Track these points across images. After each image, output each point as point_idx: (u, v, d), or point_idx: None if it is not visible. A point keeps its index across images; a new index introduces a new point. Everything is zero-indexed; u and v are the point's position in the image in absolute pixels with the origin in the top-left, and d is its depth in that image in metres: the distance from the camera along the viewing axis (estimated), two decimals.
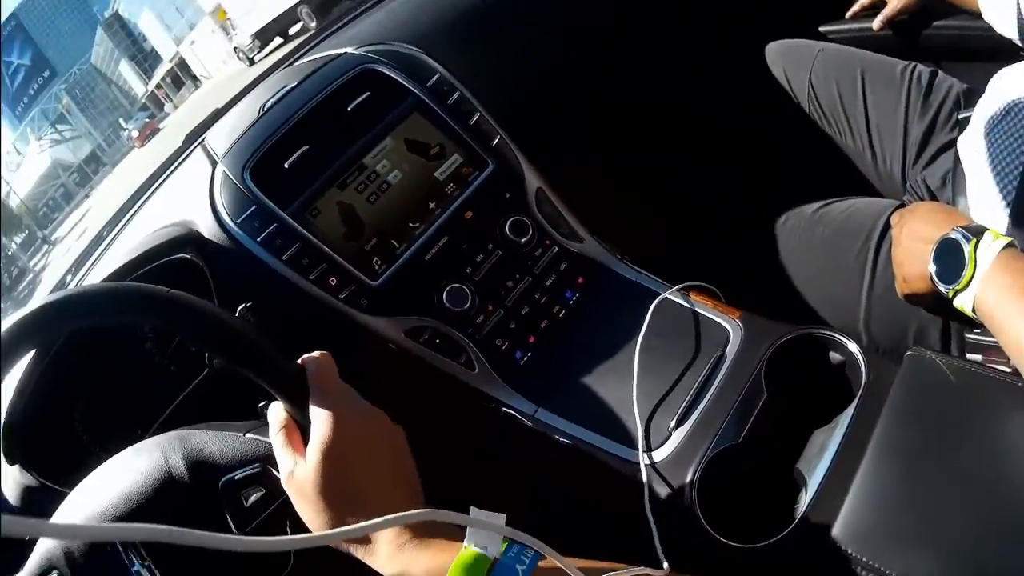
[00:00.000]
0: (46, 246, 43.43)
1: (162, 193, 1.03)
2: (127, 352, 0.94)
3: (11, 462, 0.81)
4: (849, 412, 0.64)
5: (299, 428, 0.53)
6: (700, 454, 0.65)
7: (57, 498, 0.76)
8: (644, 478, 0.65)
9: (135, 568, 0.56)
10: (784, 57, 1.13)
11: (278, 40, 16.43)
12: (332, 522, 0.50)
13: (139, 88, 65.02)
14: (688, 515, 0.63)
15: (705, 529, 0.61)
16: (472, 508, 0.47)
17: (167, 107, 49.25)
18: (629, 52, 1.23)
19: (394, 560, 0.48)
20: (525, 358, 0.81)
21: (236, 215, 0.80)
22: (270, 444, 0.58)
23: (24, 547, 0.62)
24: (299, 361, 0.54)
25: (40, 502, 0.80)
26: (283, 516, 0.58)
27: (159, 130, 39.13)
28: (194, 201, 0.86)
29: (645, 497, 0.62)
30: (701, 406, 0.68)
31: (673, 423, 0.68)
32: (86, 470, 0.67)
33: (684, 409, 0.68)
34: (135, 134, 42.73)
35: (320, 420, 0.51)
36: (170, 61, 51.32)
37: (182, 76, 51.98)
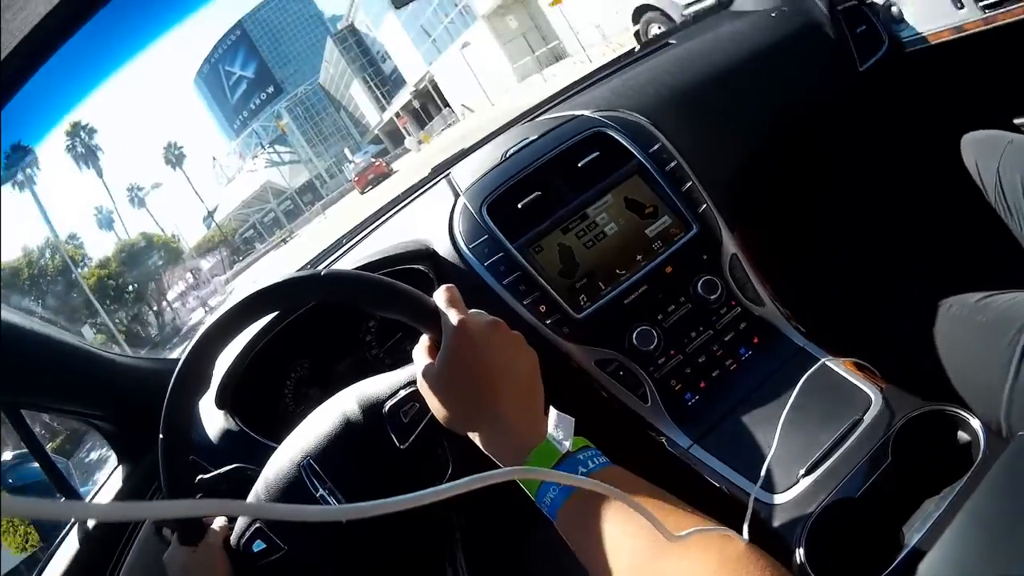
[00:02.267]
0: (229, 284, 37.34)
1: (405, 214, 1.23)
2: (346, 340, 1.14)
3: (220, 407, 0.98)
4: (958, 486, 0.67)
5: (438, 347, 0.64)
6: (819, 501, 0.71)
7: (252, 445, 0.94)
8: (750, 508, 0.72)
9: (320, 493, 0.69)
10: (976, 147, 1.14)
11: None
12: (452, 413, 0.62)
13: (372, 116, 57.39)
14: (791, 548, 0.69)
15: (803, 565, 0.67)
16: (551, 409, 0.58)
17: (408, 142, 41.00)
18: (832, 137, 1.27)
19: (494, 442, 0.59)
20: (693, 400, 0.90)
21: (469, 241, 0.97)
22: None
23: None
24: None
25: (234, 446, 0.96)
26: (437, 423, 0.68)
27: (386, 175, 33.47)
28: (434, 224, 1.04)
29: (746, 520, 0.67)
30: (830, 461, 0.74)
31: (803, 471, 0.74)
32: (282, 427, 0.82)
33: (815, 461, 0.74)
34: (354, 176, 36.64)
35: (446, 331, 0.61)
36: (415, 86, 42.94)
37: (428, 107, 43.99)
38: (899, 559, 0.65)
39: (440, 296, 0.64)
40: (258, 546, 0.71)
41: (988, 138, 1.15)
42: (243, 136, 65.70)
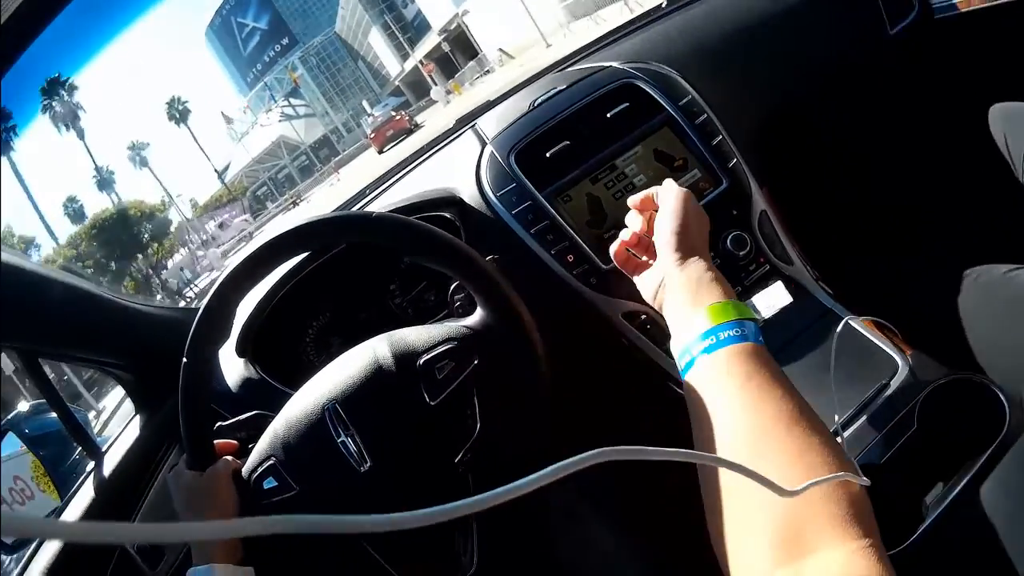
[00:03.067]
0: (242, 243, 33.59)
1: (430, 163, 1.21)
2: (369, 289, 1.13)
3: (240, 354, 0.98)
4: (981, 458, 0.67)
5: (471, 299, 0.66)
6: None
7: (271, 393, 0.93)
8: None
9: (341, 439, 0.69)
10: (1004, 119, 1.13)
11: None
12: (691, 237, 0.69)
13: (393, 66, 52.78)
14: None
15: None
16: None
17: (434, 92, 34.00)
18: (859, 99, 1.26)
19: (704, 273, 0.64)
20: None
21: (497, 189, 0.96)
22: (460, 327, 0.70)
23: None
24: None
25: (253, 394, 0.95)
26: (470, 385, 0.69)
27: (409, 130, 29.09)
28: (461, 173, 1.02)
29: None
30: (855, 425, 0.74)
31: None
32: (302, 375, 0.80)
33: (840, 424, 0.74)
34: (370, 132, 31.96)
35: (679, 193, 0.69)
36: (443, 30, 38.86)
37: (458, 54, 40.13)
38: (922, 528, 0.64)
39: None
40: (269, 483, 0.70)
41: (1016, 110, 1.13)
42: (256, 90, 61.59)
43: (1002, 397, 0.71)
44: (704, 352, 0.56)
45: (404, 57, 49.53)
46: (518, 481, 0.29)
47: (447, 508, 0.29)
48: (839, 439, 0.73)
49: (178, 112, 50.45)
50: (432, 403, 0.69)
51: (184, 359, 0.68)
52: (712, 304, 0.59)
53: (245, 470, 0.73)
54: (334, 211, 0.99)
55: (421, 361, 0.71)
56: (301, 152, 55.87)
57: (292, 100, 58.92)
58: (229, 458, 0.76)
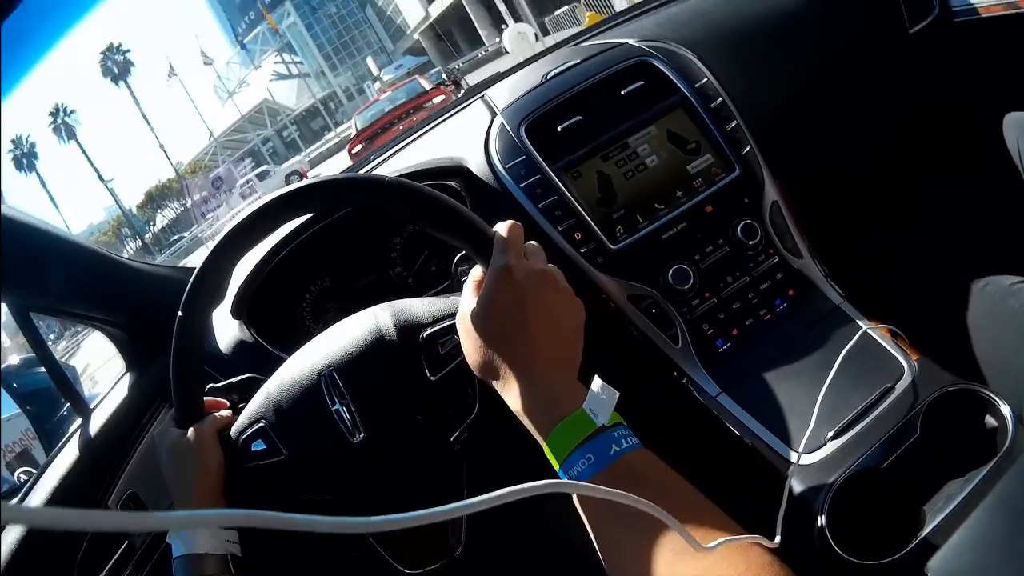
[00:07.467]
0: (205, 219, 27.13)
1: (437, 132, 1.19)
2: (370, 256, 1.11)
3: (235, 317, 0.96)
4: (983, 471, 0.66)
5: None
6: (844, 467, 0.69)
7: (265, 356, 0.92)
8: (791, 468, 0.72)
9: (335, 407, 0.67)
10: (1020, 128, 1.12)
11: None
12: (481, 358, 0.58)
13: (412, 11, 38.91)
14: (813, 513, 0.68)
15: (823, 529, 0.66)
16: (596, 377, 0.53)
17: (509, 37, 11.52)
18: (875, 95, 1.24)
19: (521, 398, 0.54)
20: (724, 347, 0.88)
21: (506, 161, 0.94)
22: None
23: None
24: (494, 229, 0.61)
25: (246, 357, 0.94)
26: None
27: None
28: (469, 142, 1.00)
29: (779, 518, 0.65)
30: (858, 427, 0.73)
31: (831, 434, 0.72)
32: (297, 341, 0.79)
33: (844, 425, 0.73)
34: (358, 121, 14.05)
35: (490, 272, 0.58)
36: None
37: None
38: (920, 537, 0.63)
39: (501, 228, 0.60)
40: (258, 446, 0.69)
41: None
42: (247, 41, 51.21)
43: (1006, 412, 0.69)
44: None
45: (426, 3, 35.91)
46: (480, 497, 0.33)
47: (415, 516, 0.32)
48: (833, 443, 0.73)
49: (116, 67, 43.02)
50: (432, 378, 0.68)
51: (179, 313, 0.66)
52: (549, 436, 0.52)
53: (234, 431, 0.72)
54: (344, 172, 0.98)
55: (424, 334, 0.69)
56: (293, 119, 46.95)
57: (285, 56, 49.48)
58: (219, 414, 0.75)
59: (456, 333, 0.65)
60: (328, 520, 0.28)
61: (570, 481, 0.39)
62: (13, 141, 42.85)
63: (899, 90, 1.28)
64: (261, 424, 0.69)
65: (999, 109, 1.16)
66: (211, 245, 0.66)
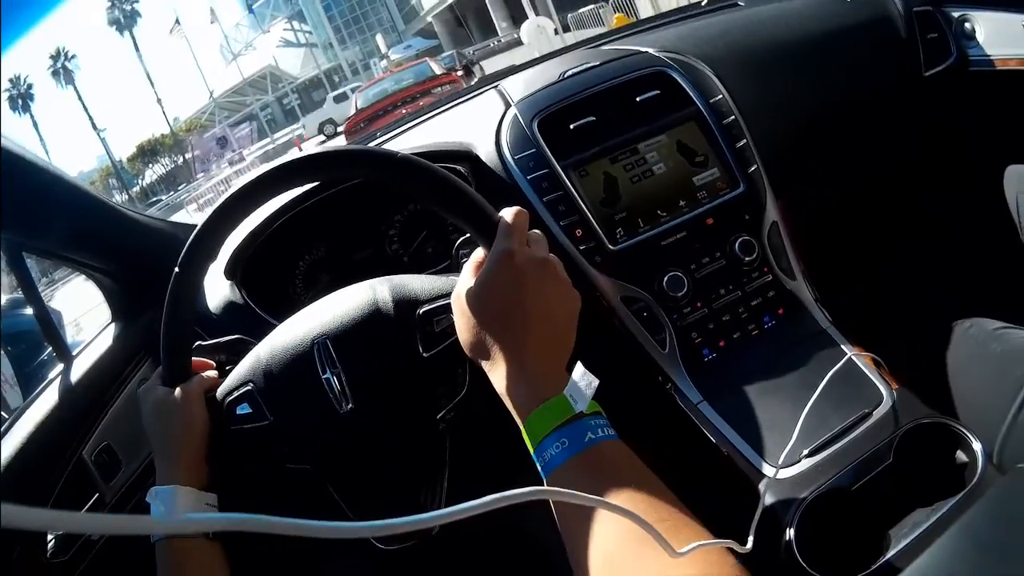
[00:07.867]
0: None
1: (449, 116, 1.20)
2: (368, 230, 1.12)
3: (228, 277, 0.96)
4: (950, 503, 0.68)
5: None
6: (817, 484, 0.71)
7: (254, 319, 0.92)
8: (765, 481, 0.74)
9: (326, 376, 0.68)
10: (1020, 182, 1.15)
11: None
12: (473, 338, 0.59)
13: None
14: (783, 526, 0.70)
15: (791, 543, 0.68)
16: (578, 364, 0.54)
17: (528, 29, 11.30)
18: (885, 131, 1.27)
19: (507, 379, 0.55)
20: (710, 357, 0.89)
21: (516, 152, 0.95)
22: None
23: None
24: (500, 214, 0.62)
25: (235, 318, 0.94)
26: None
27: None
28: (480, 129, 1.01)
29: (752, 526, 0.66)
30: (834, 448, 0.75)
31: (806, 452, 0.74)
32: (287, 307, 0.80)
33: (819, 445, 0.75)
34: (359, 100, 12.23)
35: (492, 254, 0.59)
36: None
37: None
38: (884, 559, 0.66)
39: (507, 213, 0.61)
40: (243, 409, 0.69)
41: None
42: (259, 4, 48.25)
43: (978, 449, 0.72)
44: (547, 464, 0.52)
45: None
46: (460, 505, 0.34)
47: (404, 521, 0.31)
48: (808, 460, 0.75)
49: (123, 16, 42.10)
50: (425, 355, 0.68)
51: (176, 269, 0.66)
52: (528, 418, 0.53)
53: (220, 392, 0.72)
54: (354, 144, 0.98)
55: (421, 311, 0.70)
56: (294, 88, 44.61)
57: (295, 23, 47.33)
58: (206, 374, 0.75)
59: (450, 312, 0.66)
60: (326, 525, 0.29)
61: (552, 488, 0.40)
62: (11, 81, 41.20)
63: (906, 126, 1.30)
64: (248, 388, 0.70)
65: (1001, 161, 1.19)
66: (217, 203, 0.66)
